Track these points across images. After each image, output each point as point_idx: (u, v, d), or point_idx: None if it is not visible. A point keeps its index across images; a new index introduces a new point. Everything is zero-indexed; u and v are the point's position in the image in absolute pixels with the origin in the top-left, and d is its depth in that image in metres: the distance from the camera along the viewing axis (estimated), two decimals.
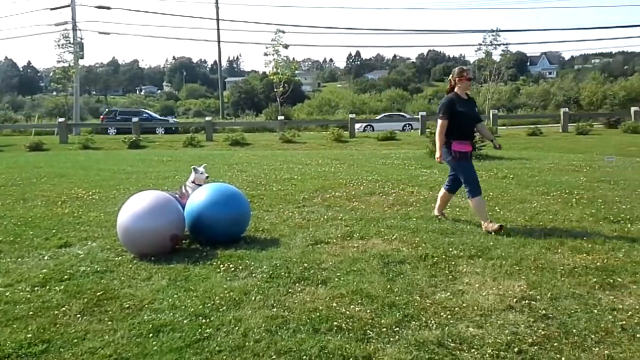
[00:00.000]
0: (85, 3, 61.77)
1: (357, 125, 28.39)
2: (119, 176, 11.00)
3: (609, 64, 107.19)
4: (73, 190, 9.09)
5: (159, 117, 39.02)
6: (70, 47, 32.59)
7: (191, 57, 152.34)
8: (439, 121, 6.06)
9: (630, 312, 3.67)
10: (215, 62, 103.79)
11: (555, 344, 3.25)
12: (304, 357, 3.13)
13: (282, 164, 12.72)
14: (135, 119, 26.54)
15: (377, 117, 36.40)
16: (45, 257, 5.17)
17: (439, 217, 6.44)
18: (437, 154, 6.11)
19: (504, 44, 34.59)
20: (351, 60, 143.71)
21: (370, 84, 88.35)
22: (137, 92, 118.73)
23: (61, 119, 25.70)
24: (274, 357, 3.14)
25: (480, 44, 34.65)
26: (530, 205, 7.13)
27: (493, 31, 34.08)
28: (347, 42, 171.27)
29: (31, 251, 5.41)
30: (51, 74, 39.86)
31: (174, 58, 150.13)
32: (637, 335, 3.33)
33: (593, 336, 3.34)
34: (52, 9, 34.95)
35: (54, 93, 52.07)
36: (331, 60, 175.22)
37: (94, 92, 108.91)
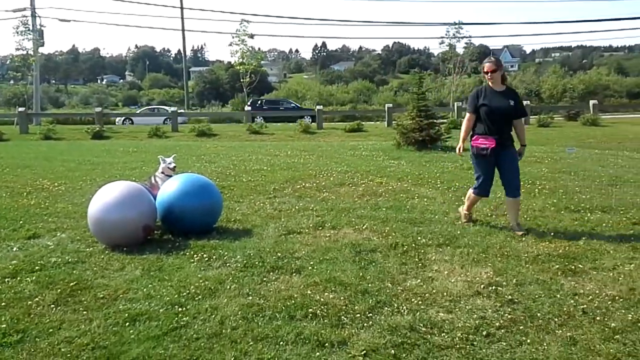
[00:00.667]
0: None
1: (117, 119, 30.51)
2: (84, 167, 10.84)
3: (568, 57, 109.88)
4: (38, 181, 8.93)
5: (302, 107, 38.30)
6: (29, 34, 31.60)
7: (154, 46, 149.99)
8: (467, 114, 5.77)
9: (590, 297, 3.86)
10: (179, 51, 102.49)
11: (521, 327, 3.40)
12: (281, 342, 3.20)
13: (251, 155, 12.72)
14: (282, 108, 29.63)
15: (138, 112, 37.07)
16: (14, 249, 5.10)
17: (518, 230, 5.56)
18: (459, 144, 5.72)
19: (467, 37, 35.16)
20: (317, 52, 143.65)
21: (336, 75, 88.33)
22: (99, 81, 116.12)
23: (21, 109, 24.97)
24: (251, 343, 3.20)
25: (443, 37, 35.13)
26: (494, 196, 7.26)
27: (456, 24, 34.55)
28: (312, 33, 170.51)
29: None
30: (8, 62, 38.56)
31: (136, 47, 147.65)
32: (597, 318, 3.51)
33: (556, 319, 3.50)
34: None
35: (12, 82, 50.51)
36: (297, 51, 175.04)
37: (54, 81, 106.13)
